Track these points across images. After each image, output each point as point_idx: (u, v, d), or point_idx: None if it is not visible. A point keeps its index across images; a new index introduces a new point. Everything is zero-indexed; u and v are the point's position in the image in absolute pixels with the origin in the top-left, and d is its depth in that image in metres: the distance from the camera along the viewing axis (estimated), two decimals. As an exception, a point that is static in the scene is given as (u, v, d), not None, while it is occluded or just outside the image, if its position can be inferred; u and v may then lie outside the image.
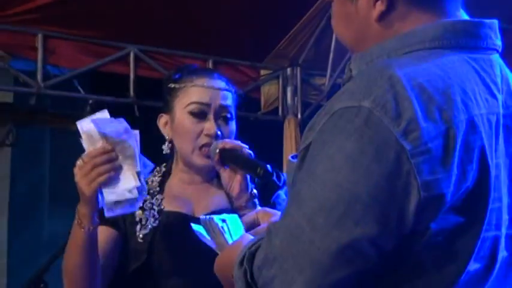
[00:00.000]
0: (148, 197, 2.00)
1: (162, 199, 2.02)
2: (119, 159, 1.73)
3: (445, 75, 1.17)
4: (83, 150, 1.77)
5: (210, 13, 4.00)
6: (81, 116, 1.78)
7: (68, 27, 3.99)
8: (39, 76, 3.96)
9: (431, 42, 1.23)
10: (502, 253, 1.23)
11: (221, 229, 1.53)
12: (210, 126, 1.98)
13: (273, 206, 1.92)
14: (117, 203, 1.74)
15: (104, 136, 1.73)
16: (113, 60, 4.16)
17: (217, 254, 1.50)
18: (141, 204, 1.96)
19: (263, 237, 1.21)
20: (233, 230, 1.56)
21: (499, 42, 1.29)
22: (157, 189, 2.05)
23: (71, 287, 1.90)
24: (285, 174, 1.90)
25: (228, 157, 1.92)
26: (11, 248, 5.16)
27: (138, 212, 1.97)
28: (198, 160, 2.00)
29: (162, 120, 2.07)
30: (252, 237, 1.39)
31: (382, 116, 1.11)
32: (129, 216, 1.96)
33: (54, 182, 5.37)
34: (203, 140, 1.98)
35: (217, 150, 1.92)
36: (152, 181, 2.06)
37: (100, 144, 1.74)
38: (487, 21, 1.27)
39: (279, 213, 1.58)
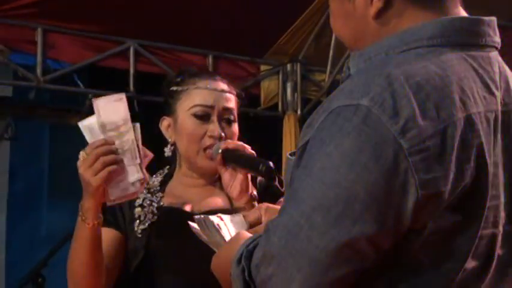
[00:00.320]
0: (148, 195, 2.00)
1: (161, 197, 2.02)
2: (118, 152, 1.73)
3: (443, 74, 1.17)
4: (82, 144, 1.76)
5: (209, 8, 4.00)
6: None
7: (67, 22, 3.99)
8: (38, 70, 3.97)
9: (429, 40, 1.22)
10: (499, 251, 1.23)
11: (216, 226, 1.52)
12: (214, 128, 1.98)
13: None
14: (121, 197, 1.75)
15: (103, 127, 1.73)
16: (112, 54, 4.17)
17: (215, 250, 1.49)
18: (141, 202, 1.98)
19: (261, 235, 1.21)
20: (232, 228, 1.54)
21: (497, 39, 1.28)
22: (158, 188, 2.05)
23: (75, 286, 1.87)
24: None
25: (231, 157, 1.91)
26: (10, 242, 5.16)
27: (138, 210, 1.98)
28: (203, 162, 1.99)
29: (165, 123, 2.06)
30: (249, 234, 1.38)
31: (380, 114, 1.11)
32: (128, 214, 1.97)
33: (53, 176, 5.37)
34: (207, 141, 1.98)
35: (220, 151, 1.91)
36: (153, 181, 2.06)
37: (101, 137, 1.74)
38: (486, 18, 1.27)
39: None
